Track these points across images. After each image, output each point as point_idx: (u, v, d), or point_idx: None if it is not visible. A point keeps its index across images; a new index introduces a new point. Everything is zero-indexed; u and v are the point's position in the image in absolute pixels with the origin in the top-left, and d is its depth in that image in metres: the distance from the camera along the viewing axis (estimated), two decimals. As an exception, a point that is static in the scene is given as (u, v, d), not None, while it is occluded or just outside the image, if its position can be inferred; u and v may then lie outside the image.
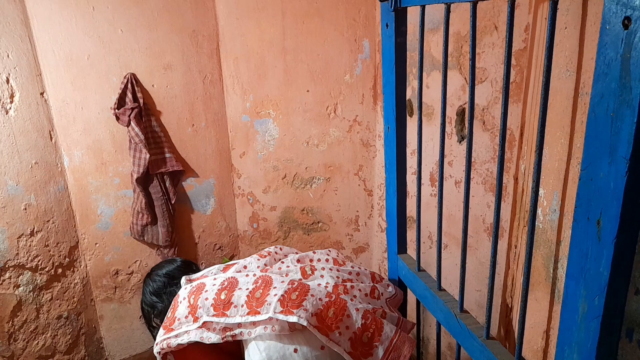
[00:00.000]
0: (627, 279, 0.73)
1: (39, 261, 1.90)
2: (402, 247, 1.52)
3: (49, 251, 1.93)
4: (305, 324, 1.08)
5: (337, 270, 1.32)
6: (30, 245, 1.87)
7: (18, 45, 1.72)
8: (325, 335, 1.10)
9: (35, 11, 1.74)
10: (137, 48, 1.93)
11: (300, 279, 1.26)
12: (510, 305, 1.43)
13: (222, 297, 1.16)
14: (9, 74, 1.72)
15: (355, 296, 1.26)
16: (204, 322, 1.15)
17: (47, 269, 1.93)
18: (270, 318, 1.09)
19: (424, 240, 2.02)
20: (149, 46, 1.95)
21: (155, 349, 1.22)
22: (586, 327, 0.75)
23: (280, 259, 1.41)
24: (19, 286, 1.86)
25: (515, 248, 1.37)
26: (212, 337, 1.15)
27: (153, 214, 2.05)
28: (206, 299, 1.16)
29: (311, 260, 1.37)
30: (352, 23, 2.15)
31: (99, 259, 2.10)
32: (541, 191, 0.95)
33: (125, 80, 1.92)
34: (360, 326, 1.15)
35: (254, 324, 1.12)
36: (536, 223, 0.96)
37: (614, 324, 0.74)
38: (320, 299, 1.15)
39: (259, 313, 1.11)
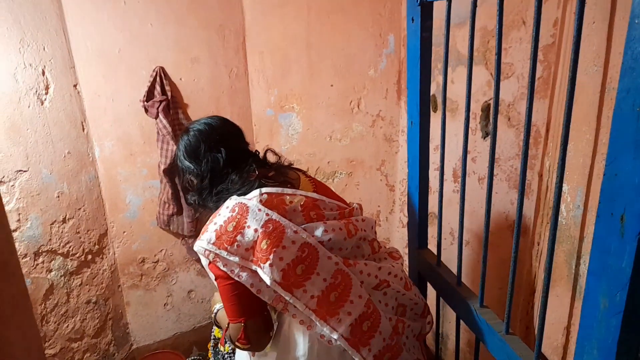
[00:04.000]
0: (650, 276, 0.72)
1: (70, 247, 1.98)
2: (422, 241, 1.53)
3: (80, 238, 2.00)
4: None
5: (403, 295, 1.24)
6: (62, 232, 1.94)
7: (53, 39, 1.79)
8: None
9: (70, 5, 1.80)
10: (165, 42, 1.98)
11: (371, 291, 1.18)
12: (531, 303, 1.42)
13: (298, 272, 1.06)
14: (44, 67, 1.78)
15: (408, 338, 1.25)
16: (264, 279, 1.05)
17: (77, 255, 2.01)
18: (335, 337, 1.07)
19: (445, 236, 2.02)
20: (178, 40, 1.99)
21: (198, 248, 1.09)
22: (607, 323, 0.75)
23: (360, 240, 1.22)
24: (51, 271, 1.94)
25: (538, 245, 1.36)
26: (262, 293, 1.07)
27: (179, 204, 2.11)
28: (281, 259, 1.04)
29: (389, 274, 1.22)
30: (377, 18, 2.15)
31: (127, 247, 2.16)
32: (565, 187, 0.95)
33: (154, 74, 1.97)
34: None
35: (313, 322, 1.08)
36: (559, 219, 0.95)
37: (635, 320, 0.74)
38: (384, 339, 1.13)
39: (326, 322, 1.07)
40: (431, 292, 1.50)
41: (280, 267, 1.03)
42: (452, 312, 1.36)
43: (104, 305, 2.14)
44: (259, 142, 2.28)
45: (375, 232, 1.33)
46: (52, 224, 1.91)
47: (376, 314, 1.13)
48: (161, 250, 2.23)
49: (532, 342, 1.02)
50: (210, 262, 1.09)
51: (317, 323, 1.06)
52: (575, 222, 0.91)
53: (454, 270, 1.34)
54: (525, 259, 1.48)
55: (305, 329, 1.11)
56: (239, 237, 1.06)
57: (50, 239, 1.91)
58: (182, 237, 2.23)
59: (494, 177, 1.64)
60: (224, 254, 1.05)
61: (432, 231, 1.73)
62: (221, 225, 1.08)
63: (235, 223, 1.07)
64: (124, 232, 2.14)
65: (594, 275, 0.77)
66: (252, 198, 1.12)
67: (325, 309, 1.07)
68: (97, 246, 2.07)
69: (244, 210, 1.08)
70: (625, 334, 0.74)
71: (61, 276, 1.97)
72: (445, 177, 1.95)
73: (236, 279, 1.06)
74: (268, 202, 1.11)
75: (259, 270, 1.04)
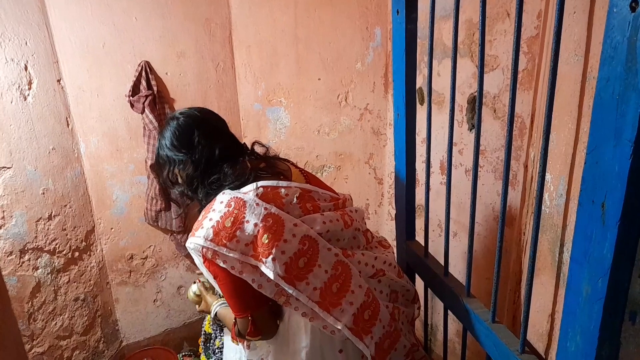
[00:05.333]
0: (630, 262, 0.73)
1: (56, 244, 1.95)
2: (410, 233, 1.54)
3: (66, 235, 1.98)
4: (368, 354, 1.10)
5: (395, 282, 1.26)
6: (48, 229, 1.92)
7: (36, 33, 1.76)
8: None
9: (52, -1, 1.77)
10: (151, 36, 1.96)
11: (368, 280, 1.18)
12: (518, 292, 1.44)
13: (300, 264, 1.05)
14: (27, 61, 1.76)
15: (403, 323, 1.27)
16: (266, 274, 1.04)
17: (64, 252, 1.99)
18: (338, 327, 1.07)
19: (433, 228, 2.03)
20: (163, 34, 1.97)
21: (192, 246, 1.06)
22: (589, 309, 0.76)
23: (355, 231, 1.23)
24: (37, 268, 1.92)
25: (524, 235, 1.38)
26: (264, 288, 1.05)
27: (167, 200, 2.09)
28: (282, 252, 1.03)
29: (384, 263, 1.24)
30: (364, 11, 2.15)
31: (114, 244, 2.15)
32: (548, 176, 0.96)
33: (140, 68, 1.95)
34: None
35: (317, 315, 1.07)
36: (543, 208, 0.96)
37: (617, 306, 0.75)
38: (384, 327, 1.15)
39: (329, 313, 1.07)
40: (420, 283, 1.51)
41: (282, 260, 1.02)
42: (441, 303, 1.37)
43: (93, 302, 2.13)
44: (246, 137, 2.27)
45: (365, 223, 1.34)
46: (38, 221, 1.88)
47: (375, 303, 1.14)
48: (150, 247, 2.22)
49: (518, 330, 1.03)
50: (206, 260, 1.06)
51: (321, 314, 1.06)
52: (558, 210, 0.92)
53: (442, 261, 1.35)
54: (512, 249, 1.50)
55: (306, 321, 1.11)
56: (238, 233, 1.03)
57: (36, 236, 1.89)
58: (171, 233, 2.21)
59: (481, 169, 1.65)
60: (223, 250, 1.02)
61: (420, 223, 1.74)
62: (218, 222, 1.04)
63: (233, 218, 1.04)
64: (112, 228, 2.12)
65: (577, 262, 0.78)
66: (249, 192, 1.09)
67: (329, 300, 1.07)
68: (84, 243, 2.05)
69: (241, 205, 1.05)
70: (607, 319, 0.75)
71: (48, 274, 1.95)
72: (433, 169, 1.96)
73: (237, 275, 1.03)
74: (264, 196, 1.09)
75: (261, 266, 1.03)
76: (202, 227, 1.04)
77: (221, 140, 1.20)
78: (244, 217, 1.04)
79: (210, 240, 1.02)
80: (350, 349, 1.16)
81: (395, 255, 1.65)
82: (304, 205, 1.14)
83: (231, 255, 1.02)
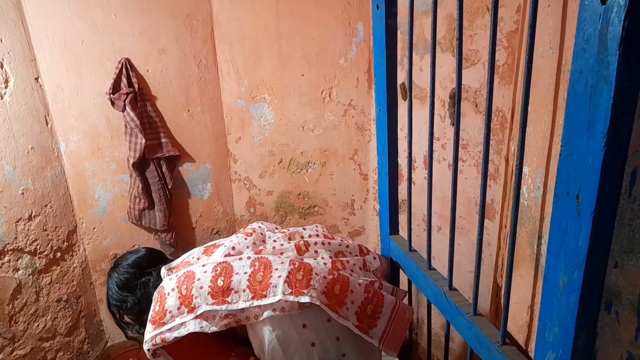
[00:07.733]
0: (605, 253, 0.74)
1: (37, 245, 1.92)
2: (394, 228, 1.54)
3: (47, 235, 1.95)
4: (317, 302, 1.11)
5: (329, 244, 1.33)
6: (28, 230, 1.89)
7: (11, 30, 1.72)
8: (335, 312, 1.13)
9: (28, -4, 1.74)
10: (131, 33, 1.93)
11: (296, 256, 1.25)
12: (500, 285, 1.46)
13: (220, 283, 1.14)
14: (2, 59, 1.72)
15: (352, 271, 1.29)
16: (203, 312, 1.12)
17: (45, 253, 1.96)
18: (279, 300, 1.10)
19: (418, 223, 2.04)
20: (143, 31, 1.95)
21: (147, 346, 1.16)
22: (566, 300, 0.77)
23: (267, 231, 1.39)
24: (18, 269, 1.89)
25: (505, 228, 1.39)
26: (212, 327, 1.13)
27: (150, 198, 2.07)
28: (201, 287, 1.13)
29: (302, 237, 1.34)
30: (346, 6, 2.14)
31: (97, 243, 2.12)
32: (526, 169, 0.96)
33: (120, 65, 1.93)
34: (364, 300, 1.20)
35: (260, 307, 1.12)
36: (521, 201, 0.97)
37: (593, 296, 0.76)
38: (324, 277, 1.16)
39: (265, 297, 1.11)
40: (403, 276, 1.52)
41: (205, 292, 1.12)
42: (425, 297, 1.38)
43: (76, 303, 2.10)
44: (230, 134, 2.26)
45: (278, 229, 1.46)
46: (18, 221, 1.85)
47: (304, 264, 1.18)
48: (133, 246, 2.19)
49: (500, 322, 1.04)
50: (163, 348, 1.18)
51: (261, 303, 1.11)
52: (536, 203, 0.93)
53: (425, 255, 1.35)
54: (494, 242, 1.51)
55: (262, 323, 1.15)
56: (166, 307, 1.15)
57: (16, 237, 1.86)
58: (155, 232, 2.19)
59: (464, 163, 1.66)
60: (164, 328, 1.13)
61: (405, 218, 1.75)
62: (152, 315, 1.18)
63: (159, 303, 1.18)
64: (94, 228, 2.10)
65: (553, 254, 0.78)
66: (164, 278, 1.26)
67: (259, 289, 1.13)
68: (66, 243, 2.02)
69: (161, 290, 1.20)
70: (584, 309, 0.76)
71: (29, 275, 1.92)
72: (416, 164, 1.97)
73: (186, 333, 1.13)
74: (176, 271, 1.26)
75: (197, 311, 1.12)
76: (146, 330, 1.18)
77: (155, 271, 1.39)
78: (165, 294, 1.18)
79: (153, 330, 1.15)
80: (312, 319, 1.16)
81: (380, 250, 1.66)
82: (211, 252, 1.29)
83: (172, 324, 1.13)
